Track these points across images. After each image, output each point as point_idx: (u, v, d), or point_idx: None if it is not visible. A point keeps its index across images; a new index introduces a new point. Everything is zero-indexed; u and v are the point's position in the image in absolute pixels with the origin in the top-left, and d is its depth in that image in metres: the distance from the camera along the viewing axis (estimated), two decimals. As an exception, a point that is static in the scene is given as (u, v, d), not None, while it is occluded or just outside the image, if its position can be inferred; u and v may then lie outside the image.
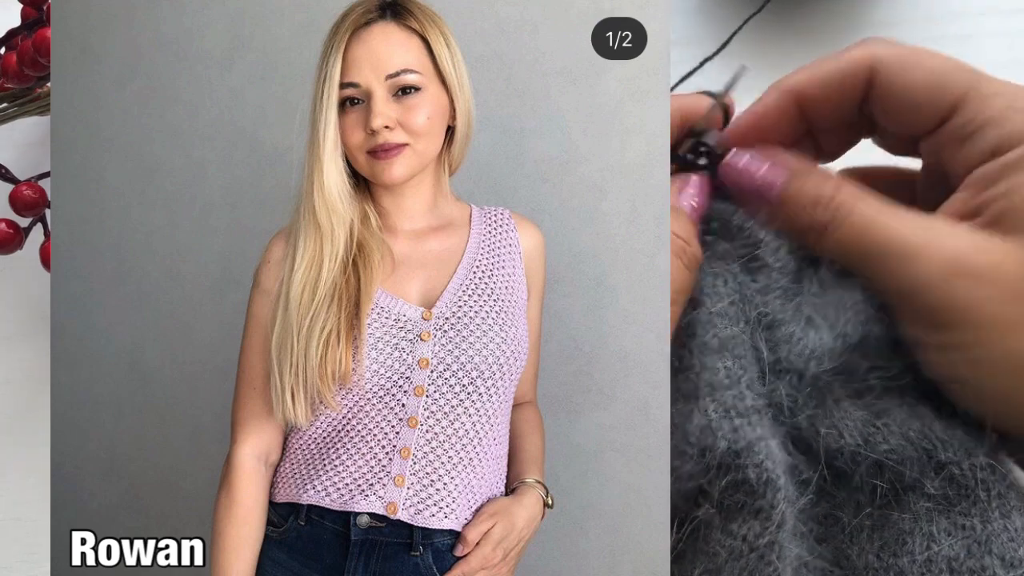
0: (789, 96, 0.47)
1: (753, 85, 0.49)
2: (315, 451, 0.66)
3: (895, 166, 0.51)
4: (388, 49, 0.64)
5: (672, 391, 0.43)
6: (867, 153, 0.51)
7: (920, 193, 0.50)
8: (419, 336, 0.64)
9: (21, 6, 0.75)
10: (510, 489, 0.69)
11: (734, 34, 0.71)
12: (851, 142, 0.51)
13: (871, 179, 0.48)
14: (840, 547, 0.41)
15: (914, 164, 0.49)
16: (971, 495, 0.40)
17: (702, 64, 0.58)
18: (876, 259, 0.42)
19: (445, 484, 0.63)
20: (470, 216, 0.72)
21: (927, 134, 0.45)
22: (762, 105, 0.48)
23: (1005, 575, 0.39)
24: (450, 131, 0.69)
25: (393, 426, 0.63)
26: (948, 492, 0.40)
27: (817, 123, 0.48)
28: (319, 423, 0.65)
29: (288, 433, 0.68)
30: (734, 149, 0.46)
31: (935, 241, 0.41)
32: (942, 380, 0.43)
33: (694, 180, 0.47)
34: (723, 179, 0.46)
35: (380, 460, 0.63)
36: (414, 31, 0.65)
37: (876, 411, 0.42)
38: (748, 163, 0.46)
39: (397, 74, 0.63)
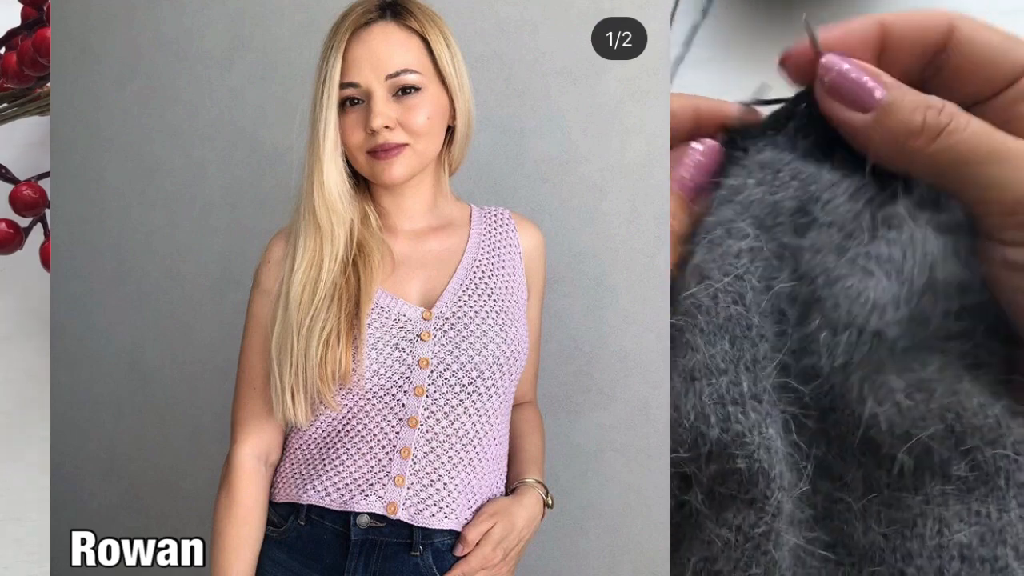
0: (877, 25, 0.47)
1: (748, 84, 0.49)
2: (315, 451, 0.66)
3: None
4: (388, 49, 0.64)
5: (671, 368, 0.42)
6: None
7: None
8: (419, 336, 0.64)
9: (21, 6, 0.75)
10: (510, 489, 0.69)
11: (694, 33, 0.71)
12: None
13: None
14: (843, 527, 0.41)
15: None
16: (990, 482, 0.40)
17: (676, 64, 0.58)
18: (994, 165, 0.42)
19: (445, 484, 0.63)
20: (470, 216, 0.72)
21: (988, 98, 0.45)
22: (851, 25, 0.47)
23: (1018, 566, 0.39)
24: (450, 131, 0.69)
25: (393, 426, 0.63)
26: (969, 477, 0.40)
27: (889, 63, 0.46)
28: (319, 423, 0.65)
29: (288, 433, 0.68)
30: (827, 55, 0.44)
31: None
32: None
33: (691, 152, 0.45)
34: (821, 78, 0.44)
35: (380, 460, 0.63)
36: (414, 31, 0.65)
37: (917, 384, 0.41)
38: (847, 67, 0.44)
39: (397, 74, 0.63)
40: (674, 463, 0.40)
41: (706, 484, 0.39)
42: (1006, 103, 0.45)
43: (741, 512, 0.39)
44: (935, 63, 0.46)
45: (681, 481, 0.40)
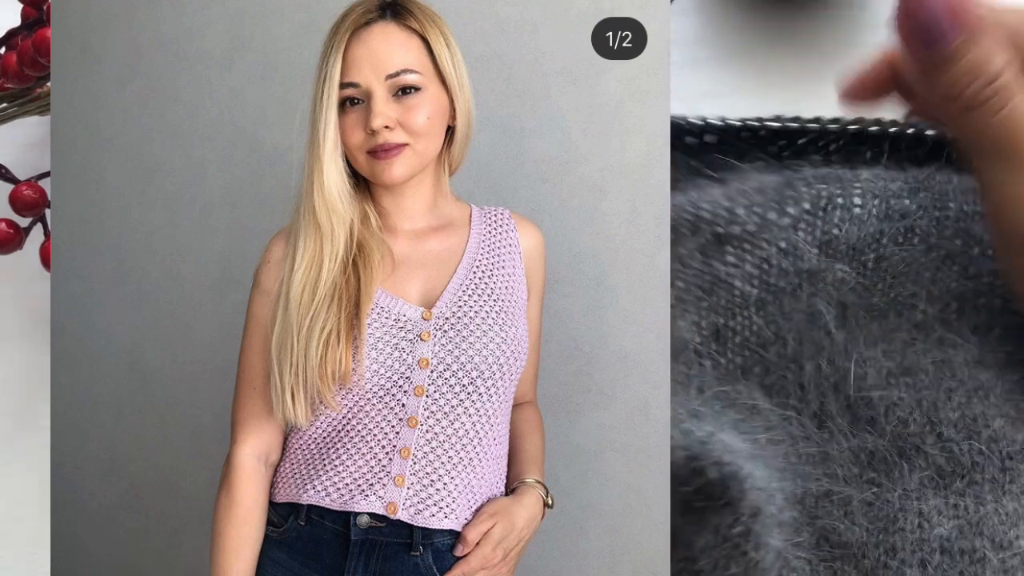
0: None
1: (745, 87, 0.49)
2: (315, 451, 0.66)
3: None
4: (388, 49, 0.64)
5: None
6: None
7: None
8: (419, 336, 0.64)
9: (21, 6, 0.75)
10: (510, 489, 0.69)
11: None
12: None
13: None
14: (827, 524, 0.42)
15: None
16: (966, 475, 0.40)
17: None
18: (1012, 161, 0.41)
19: (445, 484, 0.63)
20: (470, 216, 0.72)
21: None
22: (877, 56, 0.47)
23: (995, 556, 0.39)
24: (450, 131, 0.69)
25: (393, 426, 0.63)
26: (944, 468, 0.40)
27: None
28: (319, 423, 0.65)
29: (288, 433, 0.68)
30: None
31: None
32: None
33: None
34: (902, 13, 0.43)
35: (380, 460, 0.63)
36: (414, 31, 0.65)
37: (905, 366, 0.41)
38: (934, 4, 0.42)
39: (397, 74, 0.63)
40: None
41: (685, 501, 0.40)
42: None
43: (717, 513, 0.40)
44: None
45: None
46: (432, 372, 0.63)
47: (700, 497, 0.39)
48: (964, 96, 0.42)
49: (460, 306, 0.66)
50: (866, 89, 0.48)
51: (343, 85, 0.63)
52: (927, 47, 0.43)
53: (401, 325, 0.64)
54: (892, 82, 0.47)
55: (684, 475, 0.39)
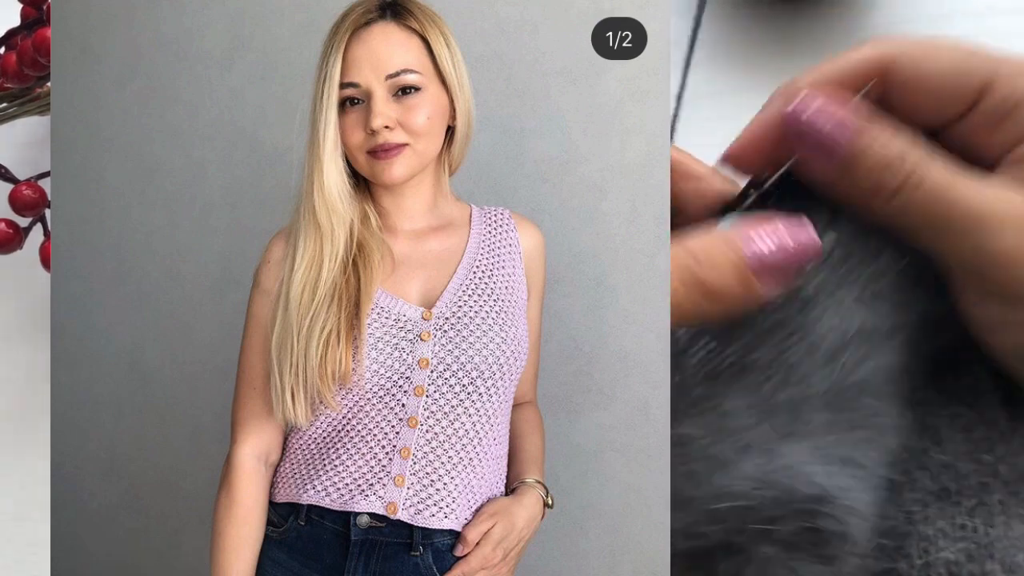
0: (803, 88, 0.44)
1: (748, 85, 0.49)
2: (315, 451, 0.66)
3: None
4: (388, 49, 0.64)
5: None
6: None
7: None
8: (419, 336, 0.64)
9: (21, 6, 0.75)
10: (510, 489, 0.69)
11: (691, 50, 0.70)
12: None
13: None
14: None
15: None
16: (975, 496, 0.40)
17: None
18: (948, 230, 0.40)
19: (445, 484, 0.63)
20: (470, 216, 0.72)
21: (950, 123, 0.44)
22: (768, 115, 0.45)
23: None
24: (450, 131, 0.69)
25: (393, 426, 0.63)
26: (948, 488, 0.40)
27: None
28: (319, 423, 0.65)
29: (288, 433, 0.68)
30: (803, 92, 0.42)
31: (1013, 211, 0.39)
32: (1009, 360, 0.42)
33: (780, 227, 0.41)
34: (785, 130, 0.42)
35: (380, 460, 0.63)
36: (414, 31, 0.65)
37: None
38: (814, 115, 0.42)
39: (397, 74, 0.63)
40: (743, 511, 0.39)
41: (785, 538, 0.39)
42: (969, 129, 0.43)
43: (808, 563, 0.39)
44: (883, 101, 0.45)
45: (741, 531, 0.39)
46: (432, 372, 0.63)
47: (802, 536, 0.38)
48: (880, 190, 0.41)
49: (460, 306, 0.66)
50: (752, 156, 0.45)
51: (343, 85, 0.63)
52: (825, 157, 0.42)
53: (401, 325, 0.64)
54: (779, 151, 0.44)
55: (800, 512, 0.38)
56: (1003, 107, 0.42)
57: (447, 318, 0.65)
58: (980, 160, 0.44)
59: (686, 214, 0.46)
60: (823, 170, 0.42)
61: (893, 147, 0.41)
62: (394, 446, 0.63)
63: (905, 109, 0.45)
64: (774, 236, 0.40)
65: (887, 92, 0.45)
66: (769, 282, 0.40)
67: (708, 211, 0.45)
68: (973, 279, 0.41)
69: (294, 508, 0.65)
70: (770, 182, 0.44)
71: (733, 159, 0.46)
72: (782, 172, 0.44)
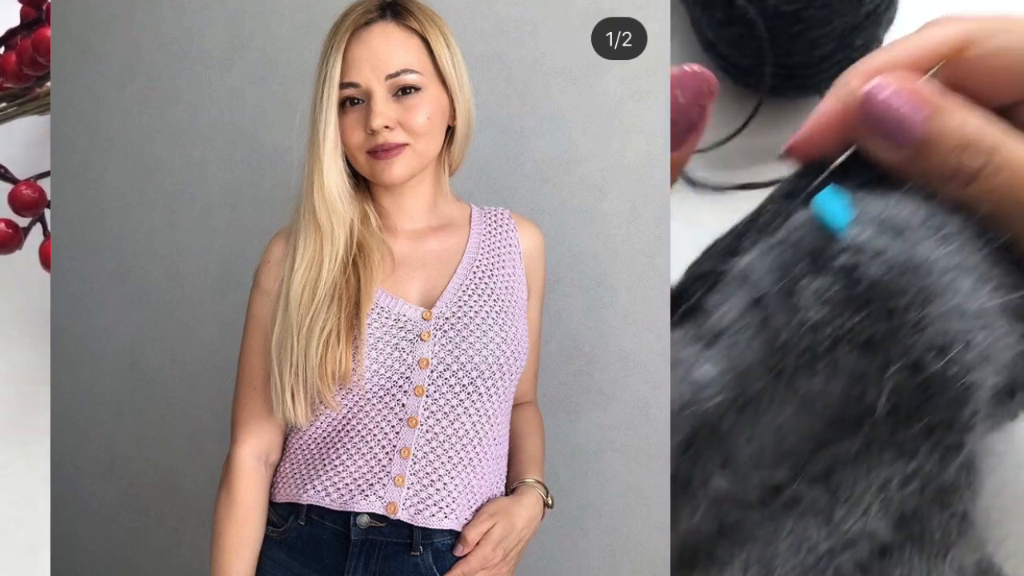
0: (886, 62, 0.43)
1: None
2: (315, 451, 0.66)
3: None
4: (388, 49, 0.64)
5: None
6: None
7: None
8: (419, 336, 0.64)
9: (21, 6, 0.75)
10: (510, 489, 0.69)
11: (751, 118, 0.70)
12: None
13: None
14: None
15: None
16: (920, 539, 0.40)
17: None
18: None
19: (445, 484, 0.63)
20: (470, 216, 0.72)
21: None
22: (833, 103, 0.44)
23: None
24: (450, 131, 0.69)
25: (393, 426, 0.63)
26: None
27: None
28: (319, 423, 0.65)
29: (288, 433, 0.68)
30: (876, 79, 0.41)
31: None
32: None
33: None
34: (860, 113, 0.41)
35: (380, 460, 0.63)
36: (414, 31, 0.65)
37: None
38: (890, 96, 0.40)
39: (397, 74, 0.63)
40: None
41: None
42: None
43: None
44: (953, 80, 0.43)
45: None
46: (432, 372, 0.63)
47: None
48: (959, 173, 0.40)
49: (460, 306, 0.66)
50: (817, 145, 0.45)
51: (343, 85, 0.63)
52: (900, 140, 0.41)
53: (401, 325, 0.64)
54: (845, 137, 0.44)
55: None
56: None
57: (447, 318, 0.65)
58: None
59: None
60: (897, 154, 0.41)
61: (971, 127, 0.40)
62: (394, 446, 0.63)
63: (980, 87, 0.43)
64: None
65: (960, 70, 0.43)
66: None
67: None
68: None
69: (294, 508, 0.65)
70: (836, 163, 0.43)
71: (798, 150, 0.45)
72: (848, 155, 0.43)
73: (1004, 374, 0.40)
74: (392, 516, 0.62)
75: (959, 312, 0.38)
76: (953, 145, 0.40)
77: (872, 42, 0.73)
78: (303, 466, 0.66)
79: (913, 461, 0.40)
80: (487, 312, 0.66)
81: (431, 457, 0.63)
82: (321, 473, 0.64)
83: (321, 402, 0.63)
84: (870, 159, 0.43)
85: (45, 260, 0.70)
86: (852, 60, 0.71)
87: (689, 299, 0.44)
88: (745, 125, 0.71)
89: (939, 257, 0.39)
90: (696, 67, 0.43)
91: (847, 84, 0.44)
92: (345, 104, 0.64)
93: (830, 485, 0.41)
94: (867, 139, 0.42)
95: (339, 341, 0.62)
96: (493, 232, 0.72)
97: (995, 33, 0.42)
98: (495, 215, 0.73)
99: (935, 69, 0.43)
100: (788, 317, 0.39)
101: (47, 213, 0.71)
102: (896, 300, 0.38)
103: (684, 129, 0.43)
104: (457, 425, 0.64)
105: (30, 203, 0.69)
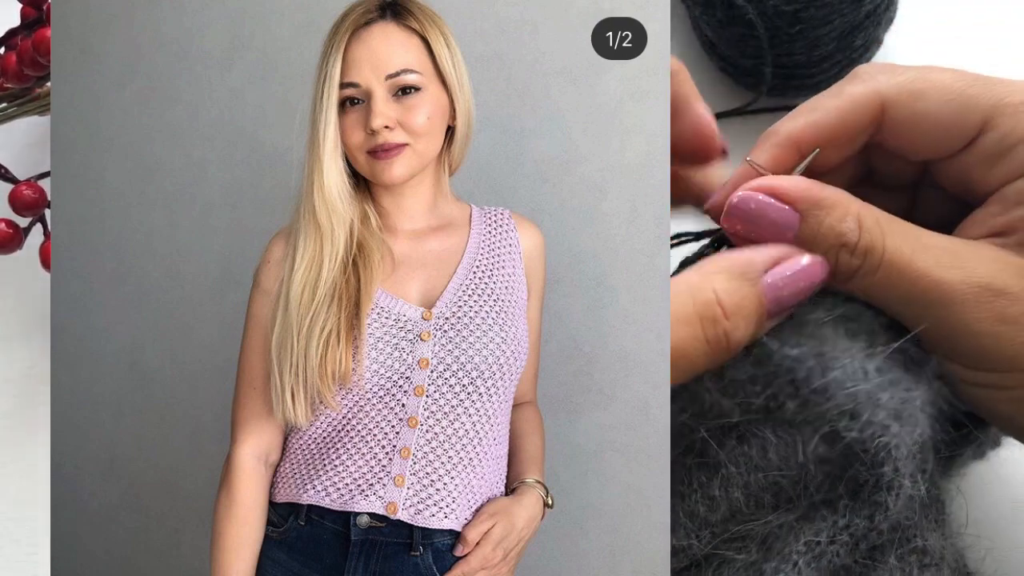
0: (787, 147, 0.43)
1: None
2: (315, 451, 0.66)
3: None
4: (388, 49, 0.64)
5: None
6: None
7: (921, 211, 0.46)
8: (419, 336, 0.64)
9: (21, 6, 0.75)
10: (510, 489, 0.69)
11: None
12: (852, 180, 0.47)
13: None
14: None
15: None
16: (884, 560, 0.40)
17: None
18: (912, 305, 0.39)
19: (445, 484, 0.63)
20: (470, 216, 0.72)
21: (949, 158, 0.42)
22: (774, 140, 0.44)
23: None
24: (450, 131, 0.69)
25: (393, 426, 0.63)
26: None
27: (819, 167, 0.44)
28: (319, 423, 0.65)
29: (288, 433, 0.68)
30: (740, 191, 0.41)
31: (966, 275, 0.38)
32: (985, 412, 0.41)
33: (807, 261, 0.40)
34: (730, 226, 0.42)
35: (380, 460, 0.63)
36: (414, 31, 0.65)
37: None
38: (757, 204, 0.40)
39: (397, 74, 0.63)
40: None
41: None
42: (968, 164, 0.42)
43: None
44: (872, 142, 0.43)
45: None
46: (432, 372, 0.63)
47: None
48: (837, 271, 0.40)
49: (460, 306, 0.66)
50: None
51: (343, 85, 0.63)
52: (778, 243, 0.41)
53: (401, 325, 0.64)
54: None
55: None
56: (1004, 144, 0.40)
57: (447, 318, 0.65)
58: (973, 194, 0.42)
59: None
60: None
61: (846, 227, 0.39)
62: (394, 446, 0.63)
63: (900, 147, 0.43)
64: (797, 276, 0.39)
65: (879, 132, 0.43)
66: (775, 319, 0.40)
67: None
68: (945, 345, 0.40)
69: (294, 508, 0.65)
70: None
71: (714, 211, 0.46)
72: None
73: (923, 425, 0.40)
74: (392, 516, 0.62)
75: (862, 372, 0.39)
76: (828, 245, 0.40)
77: (872, 42, 0.73)
78: (303, 466, 0.66)
79: (843, 519, 0.40)
80: (487, 312, 0.66)
81: (431, 457, 0.63)
82: (321, 473, 0.64)
83: (321, 402, 0.63)
84: None
85: (45, 260, 0.70)
86: (852, 60, 0.72)
87: None
88: (737, 112, 0.71)
89: (828, 322, 0.40)
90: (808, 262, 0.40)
91: (761, 146, 0.44)
92: (345, 104, 0.64)
93: (763, 545, 0.41)
94: (741, 246, 0.41)
95: (339, 341, 0.62)
96: (493, 232, 0.72)
97: (914, 97, 0.41)
98: (495, 215, 0.73)
99: (808, 161, 0.43)
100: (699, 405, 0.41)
101: (47, 213, 0.71)
102: (796, 372, 0.38)
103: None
104: (457, 425, 0.64)
105: (30, 203, 0.69)
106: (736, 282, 0.38)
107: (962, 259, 0.39)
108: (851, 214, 0.40)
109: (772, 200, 0.40)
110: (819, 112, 0.43)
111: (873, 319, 0.41)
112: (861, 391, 0.38)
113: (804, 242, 0.40)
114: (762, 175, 0.43)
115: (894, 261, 0.39)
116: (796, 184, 0.40)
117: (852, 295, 0.41)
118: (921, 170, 0.46)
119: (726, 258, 0.40)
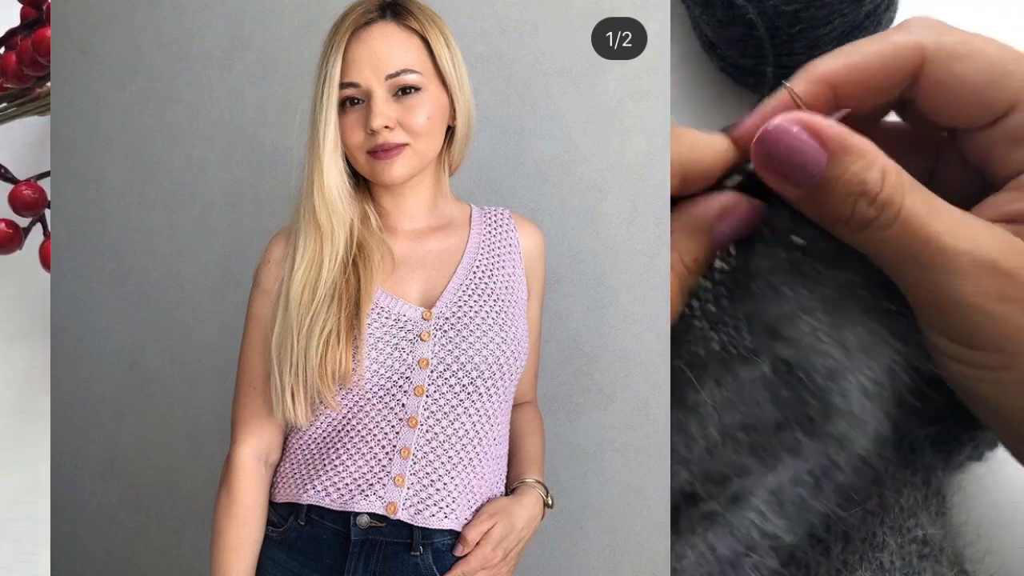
0: (823, 84, 0.43)
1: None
2: (315, 451, 0.66)
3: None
4: (388, 49, 0.64)
5: None
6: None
7: (942, 181, 0.46)
8: (419, 336, 0.64)
9: (21, 6, 0.75)
10: (510, 489, 0.69)
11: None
12: (880, 119, 0.47)
13: (895, 138, 0.44)
14: None
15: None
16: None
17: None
18: (914, 264, 0.39)
19: (445, 484, 0.63)
20: (470, 216, 0.72)
21: (976, 130, 0.42)
22: (816, 70, 0.43)
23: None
24: (450, 131, 0.69)
25: (393, 426, 0.63)
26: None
27: (850, 107, 0.44)
28: (319, 423, 0.65)
29: (288, 433, 0.68)
30: (778, 118, 0.41)
31: (975, 247, 0.38)
32: (959, 389, 0.41)
33: (743, 205, 0.42)
34: (758, 152, 0.41)
35: (380, 460, 0.63)
36: (414, 31, 0.65)
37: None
38: (791, 137, 0.40)
39: (397, 74, 0.63)
40: None
41: None
42: (991, 141, 0.41)
43: None
44: (905, 97, 0.43)
45: None
46: (432, 372, 0.63)
47: None
48: (852, 219, 0.40)
49: (460, 306, 0.66)
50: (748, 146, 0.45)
51: (343, 85, 0.63)
52: (796, 182, 0.40)
53: (401, 325, 0.64)
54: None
55: None
56: None
57: (447, 318, 0.65)
58: (992, 173, 0.42)
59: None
60: (792, 192, 0.41)
61: (871, 176, 0.39)
62: (394, 446, 0.63)
63: (930, 108, 0.43)
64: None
65: (914, 87, 0.43)
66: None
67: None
68: (937, 315, 0.40)
69: (294, 508, 0.65)
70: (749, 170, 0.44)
71: (743, 137, 0.45)
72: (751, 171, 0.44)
73: (881, 361, 0.41)
74: (392, 516, 0.62)
75: (812, 311, 0.40)
76: (849, 192, 0.40)
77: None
78: (303, 466, 0.66)
79: (804, 461, 0.41)
80: (487, 312, 0.66)
81: (431, 457, 0.63)
82: (321, 473, 0.64)
83: (321, 402, 0.63)
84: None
85: (45, 260, 0.70)
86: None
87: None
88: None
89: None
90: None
91: (798, 79, 0.44)
92: (345, 104, 0.64)
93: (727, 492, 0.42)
94: (764, 175, 0.42)
95: (339, 341, 0.62)
96: (493, 232, 0.72)
97: (954, 58, 0.41)
98: (495, 215, 0.73)
99: (843, 113, 0.43)
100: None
101: (47, 213, 0.71)
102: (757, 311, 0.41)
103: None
104: (457, 425, 0.64)
105: (30, 203, 0.69)
106: (694, 240, 0.43)
107: (975, 233, 0.39)
108: (877, 165, 0.40)
109: (806, 136, 0.40)
110: (859, 56, 0.43)
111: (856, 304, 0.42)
112: (805, 322, 0.39)
113: (826, 184, 0.40)
114: (799, 107, 0.43)
115: (909, 219, 0.39)
116: (831, 125, 0.40)
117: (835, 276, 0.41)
118: (942, 148, 0.46)
119: (687, 214, 0.43)
